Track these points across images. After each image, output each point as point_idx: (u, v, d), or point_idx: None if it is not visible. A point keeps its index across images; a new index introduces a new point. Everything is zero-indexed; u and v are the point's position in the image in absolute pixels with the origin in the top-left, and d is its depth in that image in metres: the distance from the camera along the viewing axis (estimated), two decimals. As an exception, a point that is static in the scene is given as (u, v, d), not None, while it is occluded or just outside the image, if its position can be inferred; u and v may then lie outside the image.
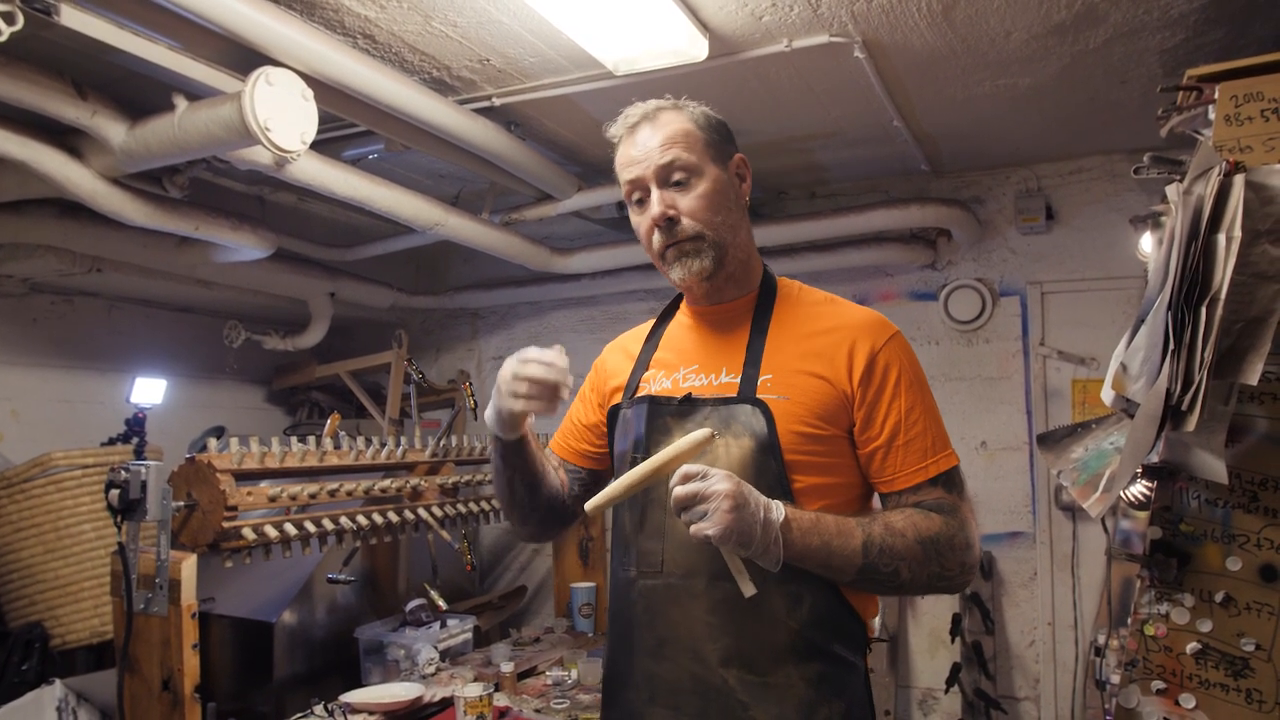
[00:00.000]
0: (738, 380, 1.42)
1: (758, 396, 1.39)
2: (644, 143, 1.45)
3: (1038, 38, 2.33)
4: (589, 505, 1.29)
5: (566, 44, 2.35)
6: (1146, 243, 2.66)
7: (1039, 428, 3.39)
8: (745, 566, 1.24)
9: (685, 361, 1.51)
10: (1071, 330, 3.36)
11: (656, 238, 1.45)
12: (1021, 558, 3.41)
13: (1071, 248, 3.37)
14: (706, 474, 1.21)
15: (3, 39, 1.78)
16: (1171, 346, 1.50)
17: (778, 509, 1.25)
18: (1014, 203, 3.43)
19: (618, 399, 1.58)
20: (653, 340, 1.61)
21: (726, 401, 1.41)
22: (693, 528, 1.20)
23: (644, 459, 1.41)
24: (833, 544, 1.29)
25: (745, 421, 1.38)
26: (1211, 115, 1.69)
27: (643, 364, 1.58)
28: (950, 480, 1.40)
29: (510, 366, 1.41)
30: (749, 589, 1.24)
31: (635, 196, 1.47)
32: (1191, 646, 1.57)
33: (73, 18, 1.91)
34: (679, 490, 1.21)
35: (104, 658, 2.98)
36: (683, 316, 1.60)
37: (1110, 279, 3.27)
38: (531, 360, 1.39)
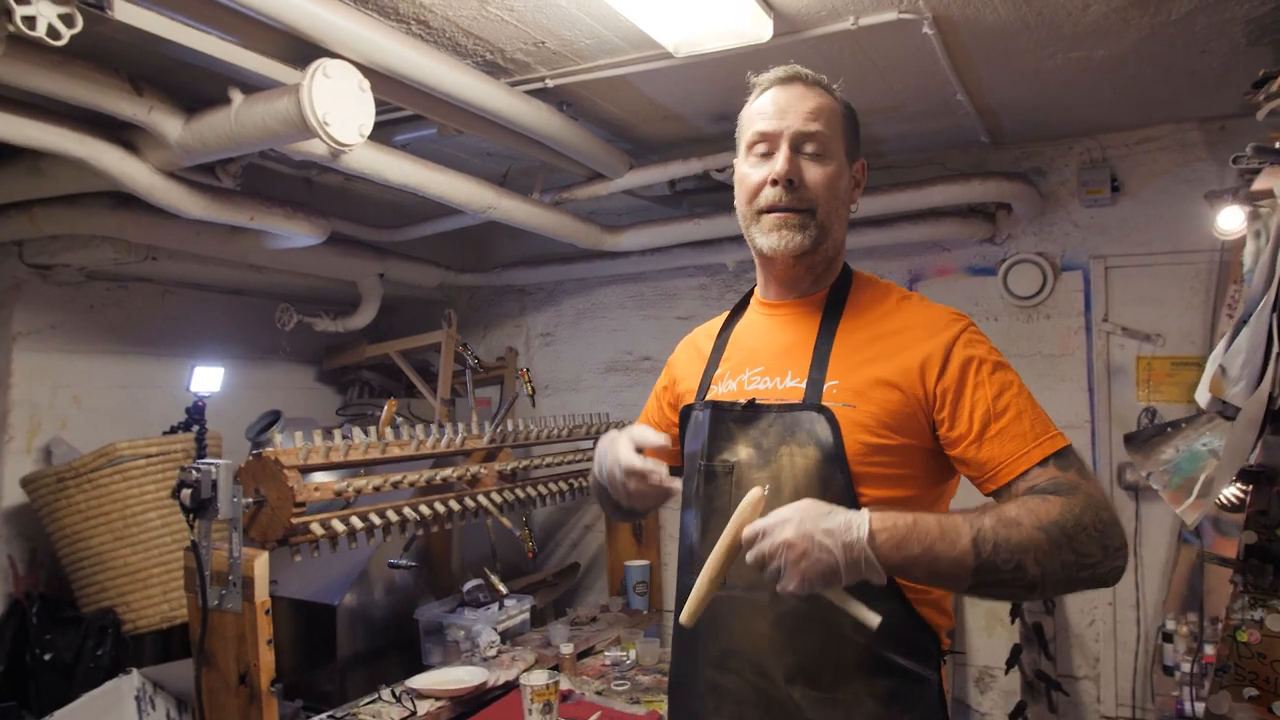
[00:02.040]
0: (803, 385, 1.37)
1: (823, 404, 1.33)
2: (791, 101, 1.40)
3: (1117, 10, 2.22)
4: (684, 618, 1.23)
5: (625, 26, 2.28)
6: (1224, 219, 2.56)
7: (1101, 406, 3.31)
8: (855, 590, 1.16)
9: (751, 363, 1.47)
10: (1136, 306, 3.26)
11: (768, 194, 1.39)
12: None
13: (1138, 221, 3.26)
14: (767, 530, 1.14)
15: (63, 42, 1.76)
16: (1275, 350, 1.45)
17: (859, 526, 1.13)
18: (1077, 174, 3.32)
19: (689, 399, 1.56)
20: (723, 338, 1.57)
21: (791, 408, 1.36)
22: (777, 587, 1.14)
23: (707, 466, 1.42)
24: (937, 548, 1.14)
25: (809, 430, 1.33)
26: (1317, 99, 1.61)
27: (713, 364, 1.54)
28: (1064, 459, 1.25)
29: (617, 458, 1.41)
30: (872, 619, 1.15)
31: (760, 148, 1.41)
32: (1289, 655, 1.54)
33: (126, 12, 1.88)
34: (750, 556, 1.15)
35: (173, 642, 3.04)
36: (752, 313, 1.56)
37: (1178, 253, 3.16)
38: (632, 469, 1.39)
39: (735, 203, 1.49)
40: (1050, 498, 1.19)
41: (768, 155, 1.40)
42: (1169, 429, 1.79)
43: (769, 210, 1.39)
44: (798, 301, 1.47)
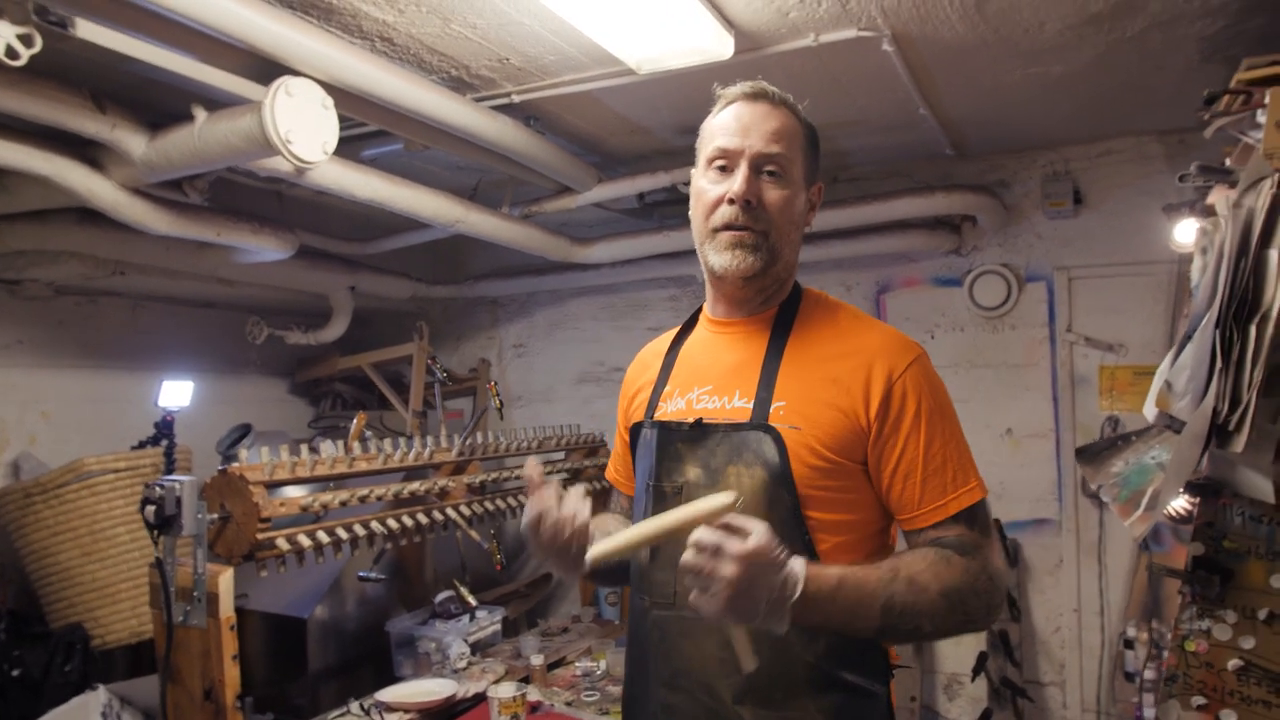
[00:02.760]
0: (750, 405, 1.36)
1: (769, 424, 1.33)
2: (755, 119, 1.39)
3: (1073, 27, 2.27)
4: (591, 554, 1.23)
5: (588, 43, 2.30)
6: (1180, 231, 2.61)
7: (1065, 415, 3.36)
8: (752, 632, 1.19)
9: (700, 381, 1.46)
10: (1099, 316, 3.32)
11: (724, 212, 1.38)
12: (1047, 545, 3.40)
13: (1099, 232, 3.31)
14: (720, 550, 1.12)
15: (22, 62, 1.77)
16: (1219, 365, 1.48)
17: (794, 585, 1.15)
18: (1041, 187, 3.37)
19: (639, 417, 1.55)
20: (672, 355, 1.57)
21: (738, 428, 1.35)
22: (691, 596, 1.15)
23: (655, 486, 1.41)
24: (853, 611, 1.21)
25: (756, 450, 1.33)
26: (1261, 119, 1.65)
27: (662, 381, 1.54)
28: (973, 516, 1.33)
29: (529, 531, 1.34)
30: (749, 664, 1.20)
31: (719, 163, 1.40)
32: (1233, 663, 1.57)
33: (88, 30, 1.88)
34: (686, 558, 1.14)
35: (143, 657, 3.02)
36: (701, 331, 1.56)
37: (1139, 264, 3.22)
38: (533, 513, 1.32)
39: (690, 214, 1.48)
40: (954, 559, 1.26)
41: (726, 171, 1.40)
42: (1119, 442, 1.83)
43: (724, 229, 1.39)
44: (746, 320, 1.47)
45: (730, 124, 1.40)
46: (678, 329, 1.62)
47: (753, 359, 1.41)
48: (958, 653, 3.48)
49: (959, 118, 3.03)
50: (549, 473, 3.44)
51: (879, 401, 1.32)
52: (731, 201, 1.37)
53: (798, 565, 1.17)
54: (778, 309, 1.46)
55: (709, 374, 1.46)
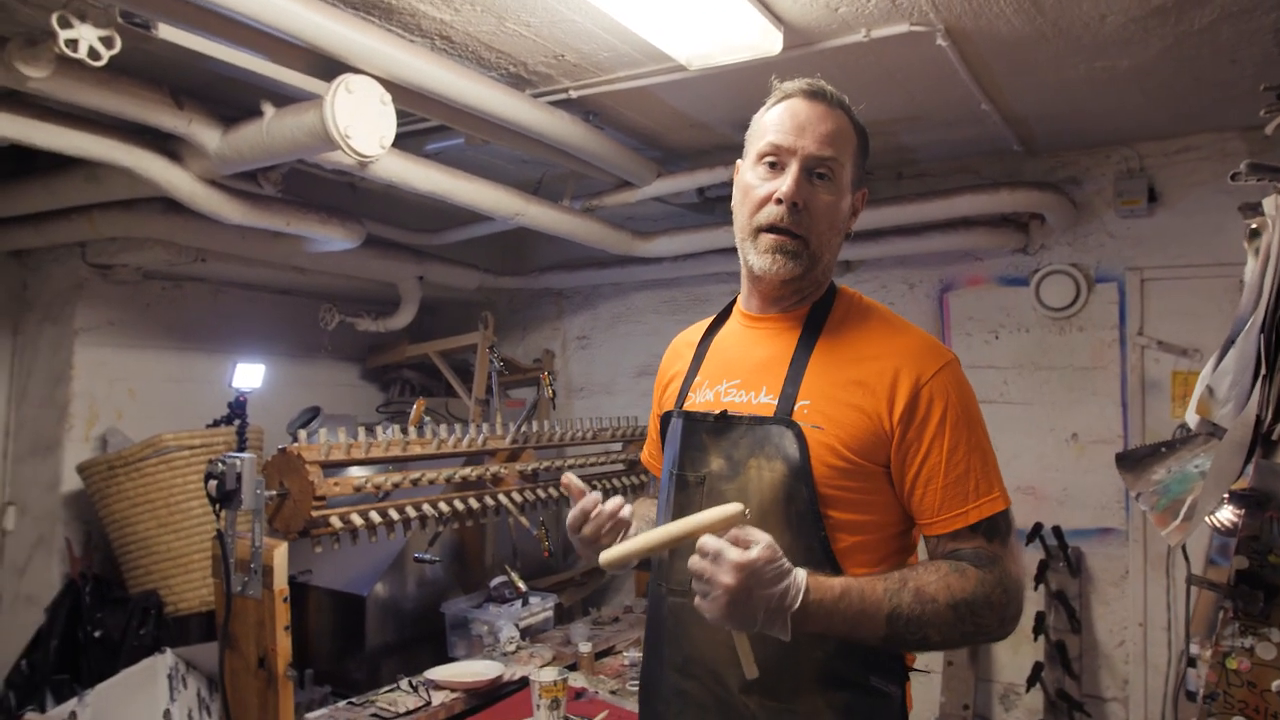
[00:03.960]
0: (775, 401, 1.37)
1: (792, 419, 1.33)
2: (812, 120, 1.37)
3: (1136, 20, 2.19)
4: (605, 557, 1.26)
5: (638, 40, 2.33)
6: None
7: (1135, 421, 3.24)
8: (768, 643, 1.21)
9: (729, 375, 1.47)
10: (1173, 319, 3.19)
11: (770, 211, 1.36)
12: (1112, 555, 3.29)
13: (1175, 232, 3.18)
14: (719, 556, 1.15)
15: (103, 62, 1.89)
16: (1264, 371, 1.43)
17: (795, 595, 1.17)
18: (1113, 184, 3.25)
19: (669, 406, 1.57)
20: (704, 346, 1.57)
21: (761, 421, 1.36)
22: (695, 601, 1.18)
23: (679, 475, 1.44)
24: (857, 620, 1.22)
25: (778, 444, 1.34)
26: (1322, 115, 1.57)
27: (693, 372, 1.55)
28: (993, 527, 1.31)
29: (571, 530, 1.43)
30: (751, 671, 1.21)
31: (769, 159, 1.38)
32: (1277, 684, 1.50)
33: (169, 32, 2.00)
34: (691, 562, 1.18)
35: (212, 625, 3.20)
36: (734, 324, 1.56)
37: (1218, 265, 3.08)
38: (578, 513, 1.41)
39: (734, 206, 1.46)
40: (968, 570, 1.26)
41: (776, 169, 1.38)
42: (1163, 448, 1.76)
43: (768, 229, 1.37)
44: (779, 316, 1.46)
45: (785, 121, 1.39)
46: (711, 318, 1.63)
47: (781, 356, 1.42)
48: (1015, 661, 3.40)
49: (1024, 113, 2.95)
50: (603, 461, 3.49)
51: (904, 406, 1.31)
52: (779, 201, 1.35)
53: (800, 576, 1.19)
54: (811, 308, 1.45)
55: (738, 368, 1.47)
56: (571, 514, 1.40)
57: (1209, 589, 1.62)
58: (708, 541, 1.17)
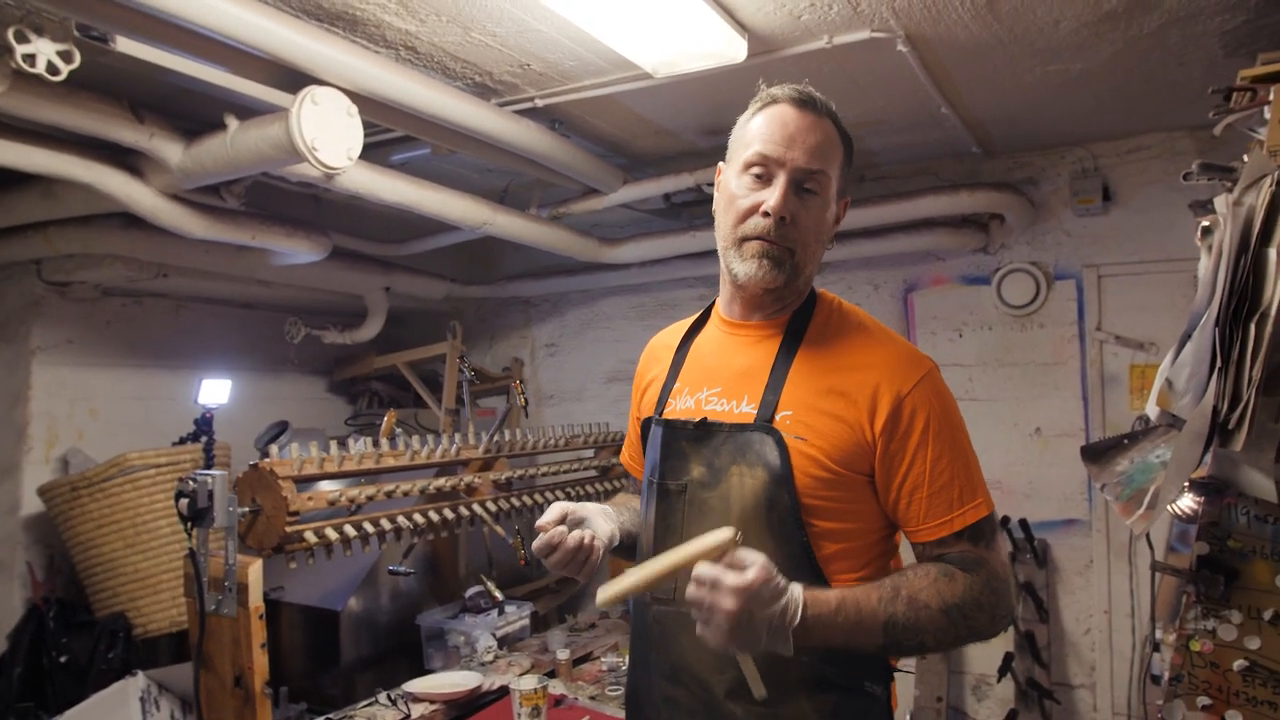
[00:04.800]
0: (755, 410, 1.36)
1: (773, 426, 1.33)
2: (801, 131, 1.35)
3: (1088, 25, 2.25)
4: (601, 598, 1.22)
5: (604, 49, 2.35)
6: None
7: (1095, 414, 3.32)
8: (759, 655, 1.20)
9: (710, 382, 1.45)
10: (1130, 314, 3.27)
11: (756, 223, 1.35)
12: (1077, 545, 3.37)
13: (1130, 229, 3.27)
14: (718, 584, 1.14)
15: (62, 78, 1.87)
16: (1219, 363, 1.47)
17: (795, 612, 1.18)
18: (1069, 184, 3.34)
19: (649, 411, 1.55)
20: (683, 351, 1.56)
21: (742, 429, 1.35)
22: (697, 628, 1.17)
23: (659, 484, 1.42)
24: (854, 631, 1.23)
25: (759, 451, 1.33)
26: (1268, 115, 1.63)
27: (672, 377, 1.53)
28: (977, 532, 1.32)
29: (534, 547, 1.37)
30: (759, 691, 1.20)
31: (756, 169, 1.36)
32: (1239, 664, 1.56)
33: (127, 45, 1.98)
34: (689, 593, 1.16)
35: (183, 645, 3.15)
36: (713, 329, 1.54)
37: (1170, 261, 3.16)
38: (543, 544, 1.34)
39: (715, 213, 1.44)
40: (956, 575, 1.28)
41: (763, 180, 1.35)
42: (1126, 440, 1.81)
43: (753, 238, 1.35)
44: (760, 324, 1.45)
45: (774, 131, 1.36)
46: (691, 320, 1.61)
47: (763, 365, 1.40)
48: (986, 653, 3.46)
49: (982, 116, 3.02)
50: (575, 468, 3.49)
51: (885, 417, 1.31)
52: (766, 214, 1.33)
53: (797, 591, 1.19)
54: (791, 315, 1.43)
55: (719, 376, 1.45)
56: (536, 542, 1.36)
57: (1173, 574, 1.67)
58: (703, 571, 1.16)
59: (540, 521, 1.37)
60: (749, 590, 1.14)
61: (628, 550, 1.55)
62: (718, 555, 1.17)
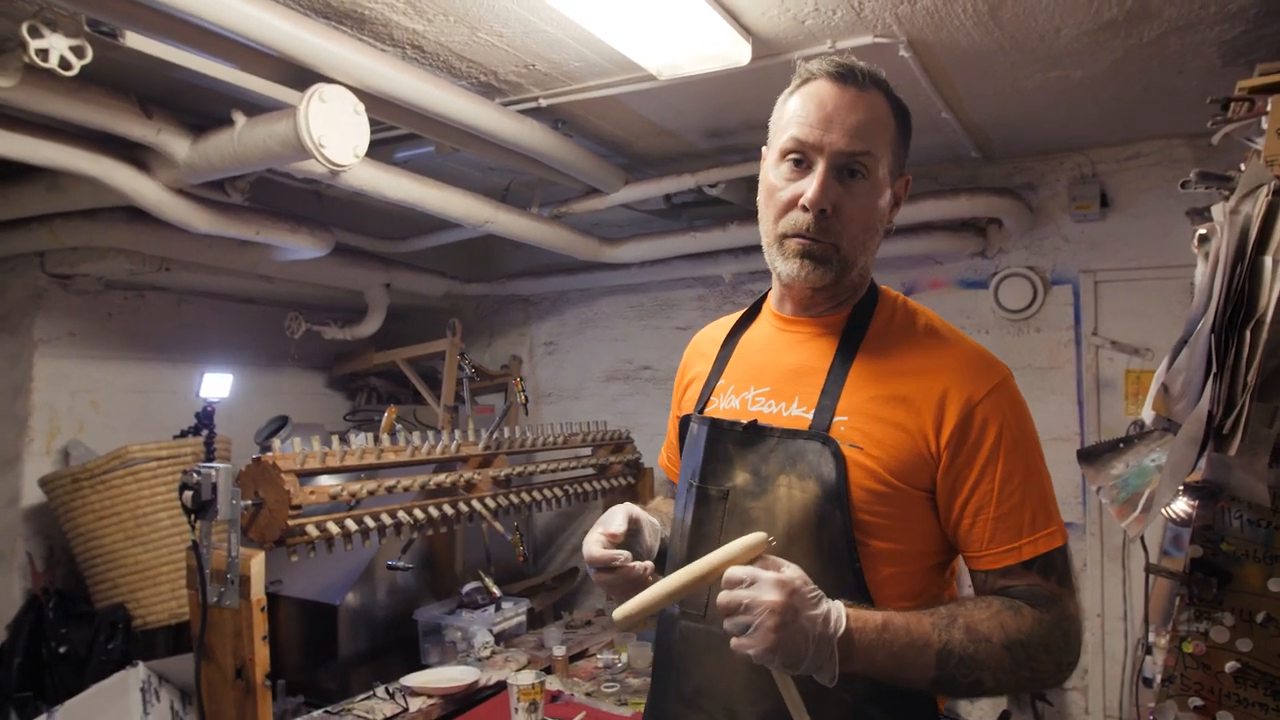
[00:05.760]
0: (809, 415, 1.24)
1: (830, 436, 1.20)
2: (840, 109, 1.21)
3: (1089, 33, 2.28)
4: (619, 614, 1.11)
5: (609, 50, 2.37)
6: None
7: (1090, 418, 3.35)
8: (798, 682, 1.08)
9: (758, 381, 1.34)
10: (1126, 320, 3.30)
11: (795, 218, 1.23)
12: (1071, 548, 3.38)
13: (1127, 235, 3.30)
14: (756, 580, 1.04)
15: (74, 72, 1.88)
16: (1214, 369, 1.50)
17: (838, 619, 1.06)
18: (1068, 190, 3.37)
19: (689, 409, 1.44)
20: (729, 346, 1.44)
21: (795, 435, 1.23)
22: (733, 641, 1.04)
23: (699, 488, 1.30)
24: (903, 656, 1.10)
25: (813, 463, 1.20)
26: (1265, 125, 1.66)
27: (716, 373, 1.42)
28: (1049, 563, 1.19)
29: (588, 554, 1.25)
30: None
31: (793, 156, 1.24)
32: (1230, 665, 1.58)
33: (137, 40, 2.00)
34: (721, 597, 1.05)
35: (181, 637, 3.16)
36: (764, 325, 1.42)
37: (1167, 267, 3.19)
38: (602, 559, 1.22)
39: (759, 206, 1.32)
40: (1024, 609, 1.15)
41: (801, 167, 1.23)
42: (1121, 444, 1.84)
43: (793, 235, 1.24)
44: (815, 321, 1.33)
45: (810, 112, 1.22)
46: (739, 314, 1.49)
47: (817, 366, 1.29)
48: (978, 655, 3.48)
49: (982, 121, 3.04)
50: (573, 466, 3.51)
51: (952, 428, 1.18)
52: (805, 208, 1.22)
53: (838, 604, 1.09)
54: (850, 313, 1.31)
55: (768, 375, 1.34)
56: (596, 551, 1.23)
57: (1166, 577, 1.69)
58: (737, 570, 1.06)
59: (611, 528, 1.25)
60: (792, 584, 1.04)
61: (656, 561, 1.41)
62: (750, 561, 1.08)
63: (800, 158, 1.23)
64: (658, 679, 1.40)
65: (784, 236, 1.25)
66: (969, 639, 1.11)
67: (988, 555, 1.19)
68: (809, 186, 1.21)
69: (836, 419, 1.22)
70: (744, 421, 1.28)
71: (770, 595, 1.02)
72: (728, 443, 1.29)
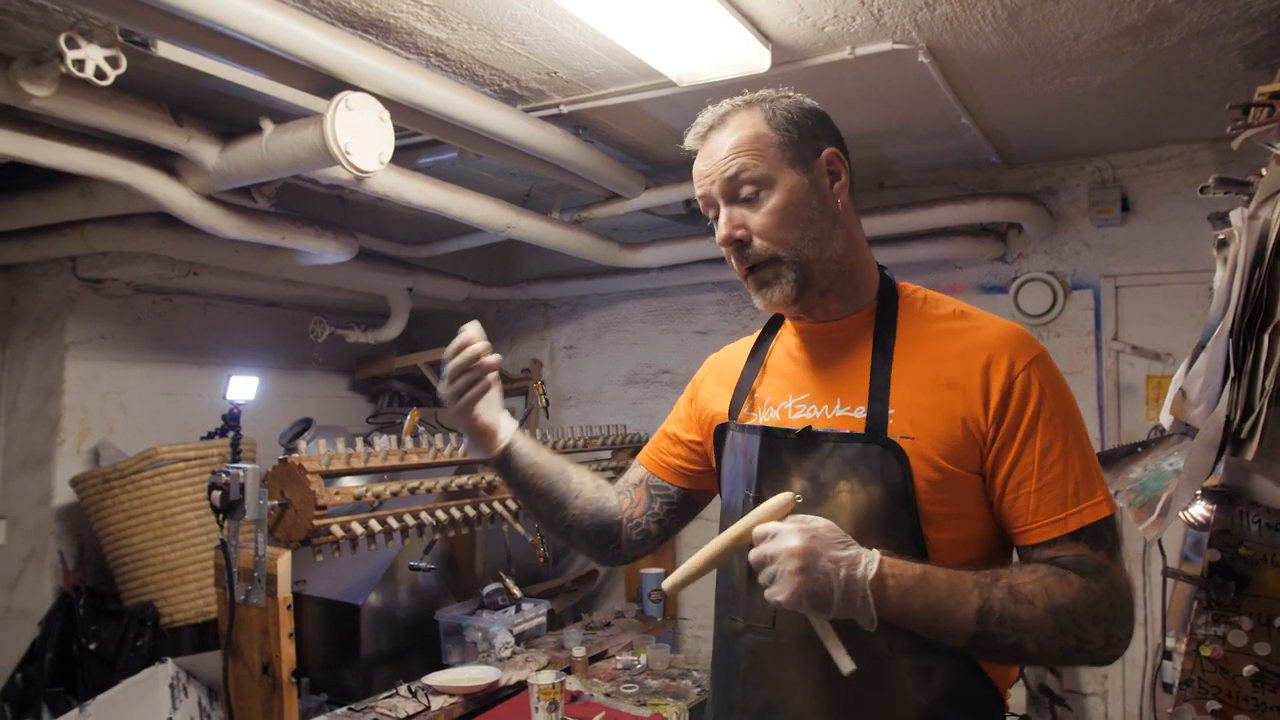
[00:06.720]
0: (855, 413, 1.25)
1: (889, 437, 1.21)
2: (712, 154, 1.30)
3: (1108, 38, 2.28)
4: (667, 583, 1.18)
5: (630, 57, 2.40)
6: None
7: (1111, 424, 3.34)
8: (844, 632, 1.11)
9: (795, 389, 1.34)
10: (1147, 325, 3.29)
11: (732, 261, 1.32)
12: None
13: (1148, 240, 3.29)
14: (777, 532, 1.09)
15: (109, 82, 1.94)
16: (1232, 374, 1.50)
17: (868, 564, 1.08)
18: (1088, 194, 3.36)
19: (722, 418, 1.45)
20: (755, 360, 1.45)
21: (852, 439, 1.24)
22: (766, 592, 1.09)
23: (756, 500, 1.29)
24: (940, 607, 1.10)
25: (874, 466, 1.21)
26: (1284, 131, 1.66)
27: (744, 390, 1.42)
28: (1096, 535, 1.18)
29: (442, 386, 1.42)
30: (846, 664, 1.10)
31: (710, 214, 1.33)
32: (1248, 669, 1.58)
33: (168, 50, 2.05)
34: (753, 554, 1.10)
35: (208, 635, 3.21)
36: (788, 335, 1.43)
37: (1188, 272, 3.18)
38: (450, 367, 1.40)
39: None
40: (1070, 577, 1.14)
41: (715, 218, 1.32)
42: (1140, 448, 1.84)
43: (744, 275, 1.32)
44: (837, 324, 1.34)
45: (699, 168, 1.33)
46: (755, 336, 1.52)
47: (852, 363, 1.30)
48: (998, 660, 3.48)
49: (1002, 126, 3.05)
50: (594, 469, 3.53)
51: (998, 399, 1.19)
52: (724, 248, 1.31)
53: (871, 551, 1.11)
54: (875, 307, 1.34)
55: (804, 381, 1.35)
56: (456, 361, 1.42)
57: (1184, 581, 1.70)
58: (762, 527, 1.12)
59: (468, 332, 1.44)
60: (811, 529, 1.09)
61: (539, 495, 1.51)
62: (780, 518, 1.14)
63: (713, 211, 1.33)
64: (720, 694, 1.38)
65: (743, 278, 1.33)
66: (1011, 598, 1.11)
67: (1033, 529, 1.19)
68: (719, 230, 1.30)
69: (889, 413, 1.23)
70: (798, 429, 1.29)
71: (791, 541, 1.07)
72: (783, 451, 1.30)
